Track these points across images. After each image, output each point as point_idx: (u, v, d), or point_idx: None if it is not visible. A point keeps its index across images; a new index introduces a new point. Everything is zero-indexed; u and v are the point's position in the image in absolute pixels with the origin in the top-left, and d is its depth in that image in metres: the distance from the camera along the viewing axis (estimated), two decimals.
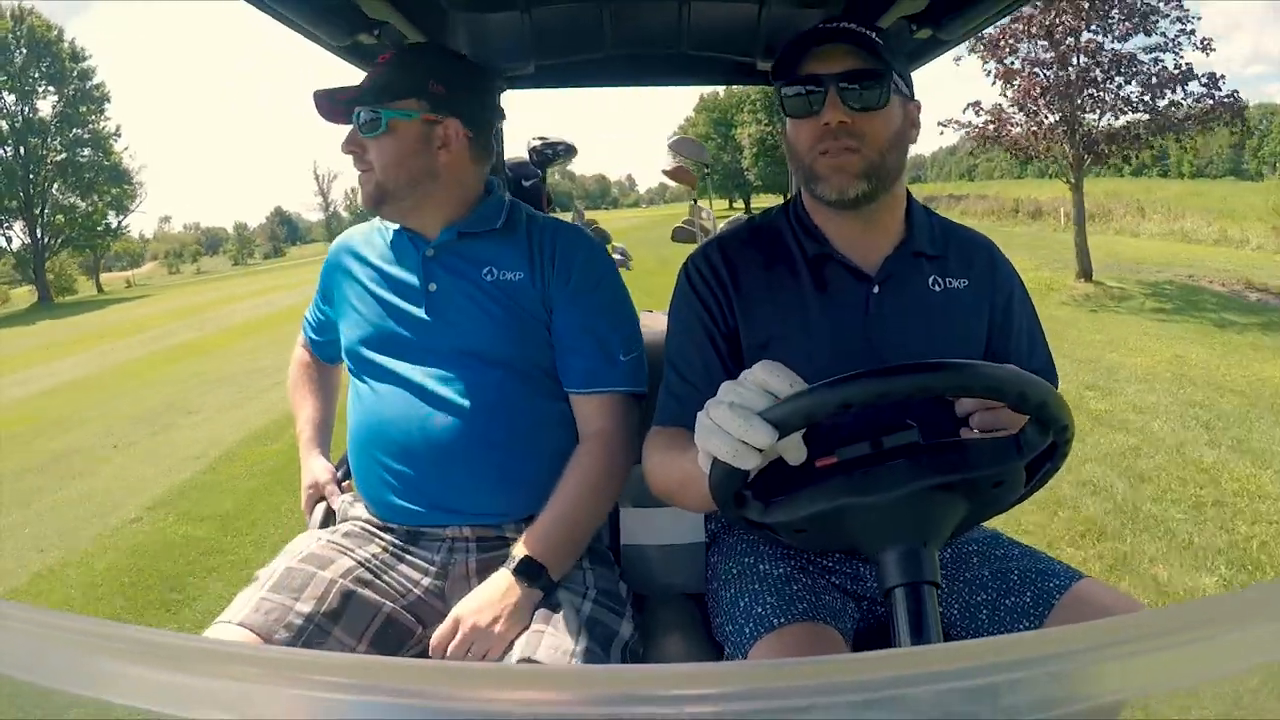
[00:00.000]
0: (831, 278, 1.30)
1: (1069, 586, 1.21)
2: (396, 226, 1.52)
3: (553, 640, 1.21)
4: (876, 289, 1.29)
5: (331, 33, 1.59)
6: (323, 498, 1.61)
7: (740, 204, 45.56)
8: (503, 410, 1.42)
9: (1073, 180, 11.49)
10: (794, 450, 0.87)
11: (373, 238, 1.57)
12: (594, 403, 1.47)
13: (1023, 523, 3.65)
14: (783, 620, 1.17)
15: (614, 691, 0.38)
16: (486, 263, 1.47)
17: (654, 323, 1.86)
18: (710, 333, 1.31)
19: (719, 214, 5.37)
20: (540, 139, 3.71)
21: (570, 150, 3.84)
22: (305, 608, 1.27)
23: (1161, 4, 11.16)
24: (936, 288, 1.31)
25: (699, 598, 1.48)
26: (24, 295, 41.18)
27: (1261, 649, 0.35)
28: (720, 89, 48.19)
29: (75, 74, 41.49)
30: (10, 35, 39.19)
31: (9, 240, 39.57)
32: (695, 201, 5.08)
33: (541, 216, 1.56)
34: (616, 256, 5.17)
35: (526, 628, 1.27)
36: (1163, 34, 11.21)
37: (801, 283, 1.30)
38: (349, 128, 1.41)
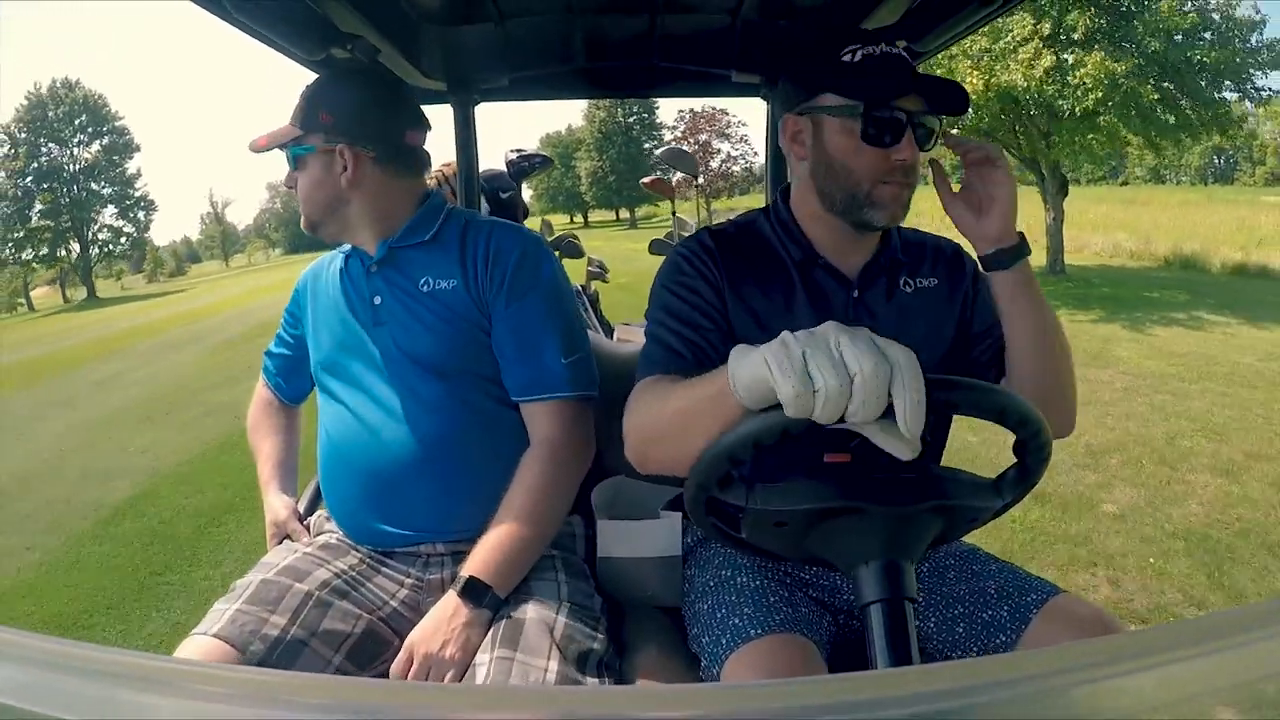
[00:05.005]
0: (818, 281, 1.32)
1: (1045, 601, 1.22)
2: (350, 247, 1.54)
3: (522, 667, 1.20)
4: (857, 292, 1.31)
5: (305, 47, 1.59)
6: (287, 536, 1.58)
7: (580, 218, 58.63)
8: (457, 424, 1.42)
9: (706, 201, 17.59)
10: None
11: (334, 261, 1.59)
12: (538, 410, 1.46)
13: None
14: (758, 632, 1.17)
15: (589, 713, 0.38)
16: (422, 273, 1.47)
17: (632, 335, 1.86)
18: (710, 304, 1.28)
19: (562, 227, 5.49)
20: (516, 151, 3.73)
21: (547, 162, 3.86)
22: (281, 620, 1.26)
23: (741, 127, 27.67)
24: (908, 289, 1.35)
25: (676, 611, 1.47)
26: (52, 295, 56.68)
27: (1238, 670, 0.35)
28: (562, 128, 63.08)
29: (112, 130, 55.45)
30: (77, 104, 53.60)
31: (69, 253, 53.26)
32: (675, 214, 5.09)
33: (480, 220, 1.55)
34: (593, 269, 5.18)
35: (479, 646, 1.25)
36: (741, 139, 37.81)
37: (790, 284, 1.31)
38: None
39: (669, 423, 1.04)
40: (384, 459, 1.41)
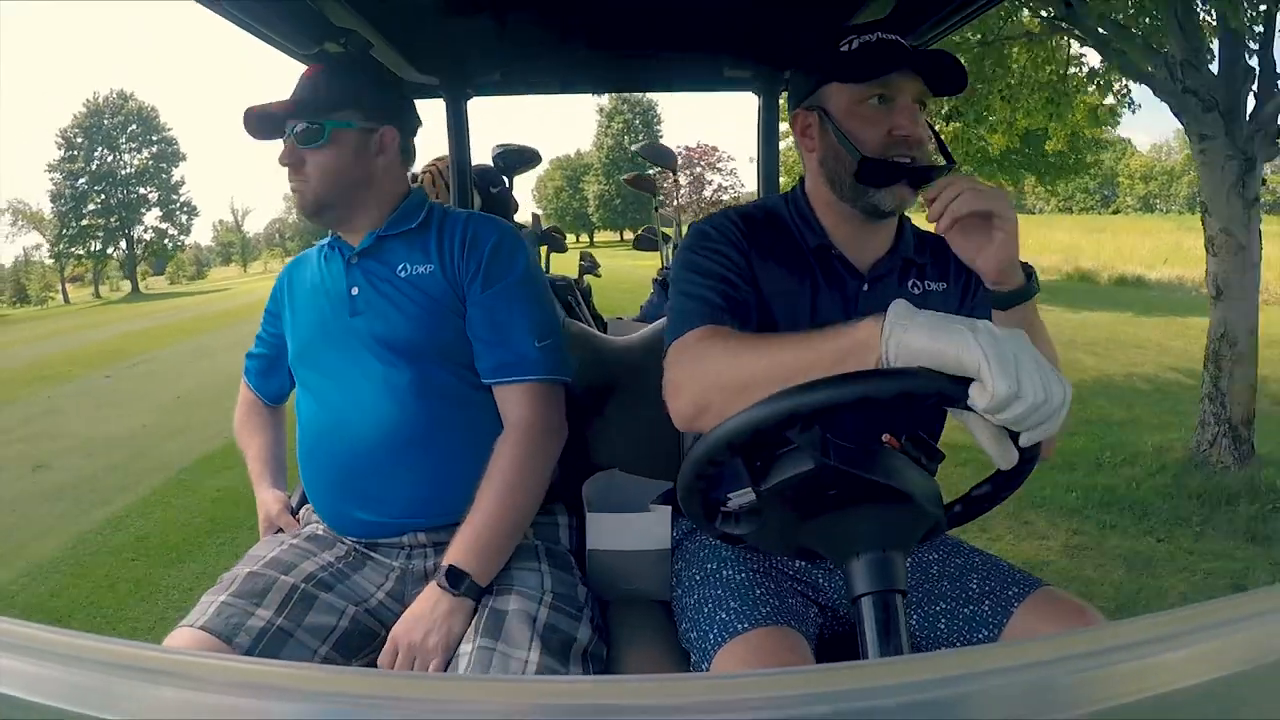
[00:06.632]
0: (831, 270, 1.32)
1: (1027, 595, 1.23)
2: (330, 239, 1.54)
3: (503, 657, 1.20)
4: (866, 287, 1.32)
5: (298, 41, 1.58)
6: (280, 529, 1.57)
7: (586, 237, 61.18)
8: (431, 409, 1.42)
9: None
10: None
11: (312, 257, 1.59)
12: (511, 392, 1.46)
13: None
14: (746, 625, 1.17)
15: (577, 703, 0.38)
16: (401, 260, 1.47)
17: (623, 329, 1.85)
18: (740, 268, 1.26)
19: (571, 246, 5.59)
20: (503, 146, 3.69)
21: (536, 156, 3.82)
22: (267, 612, 1.26)
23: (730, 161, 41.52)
24: (916, 290, 1.35)
25: (667, 604, 1.47)
26: (78, 291, 59.11)
27: (1221, 661, 0.35)
28: (571, 152, 66.67)
29: (161, 139, 58.49)
30: (130, 115, 56.75)
31: (116, 249, 56.60)
32: (657, 209, 5.09)
33: (455, 211, 1.57)
34: (585, 264, 5.17)
35: (462, 635, 1.27)
36: (730, 171, 43.74)
37: (809, 268, 1.31)
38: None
39: (765, 372, 0.97)
40: (359, 446, 1.41)
